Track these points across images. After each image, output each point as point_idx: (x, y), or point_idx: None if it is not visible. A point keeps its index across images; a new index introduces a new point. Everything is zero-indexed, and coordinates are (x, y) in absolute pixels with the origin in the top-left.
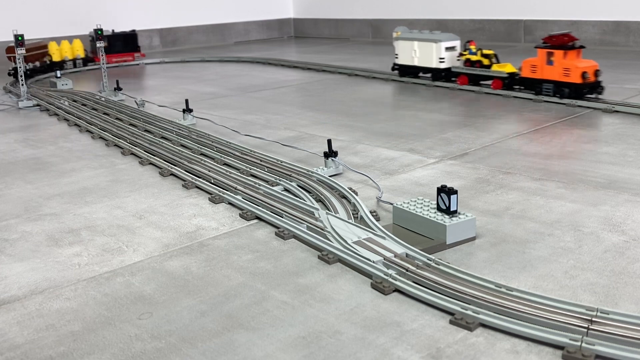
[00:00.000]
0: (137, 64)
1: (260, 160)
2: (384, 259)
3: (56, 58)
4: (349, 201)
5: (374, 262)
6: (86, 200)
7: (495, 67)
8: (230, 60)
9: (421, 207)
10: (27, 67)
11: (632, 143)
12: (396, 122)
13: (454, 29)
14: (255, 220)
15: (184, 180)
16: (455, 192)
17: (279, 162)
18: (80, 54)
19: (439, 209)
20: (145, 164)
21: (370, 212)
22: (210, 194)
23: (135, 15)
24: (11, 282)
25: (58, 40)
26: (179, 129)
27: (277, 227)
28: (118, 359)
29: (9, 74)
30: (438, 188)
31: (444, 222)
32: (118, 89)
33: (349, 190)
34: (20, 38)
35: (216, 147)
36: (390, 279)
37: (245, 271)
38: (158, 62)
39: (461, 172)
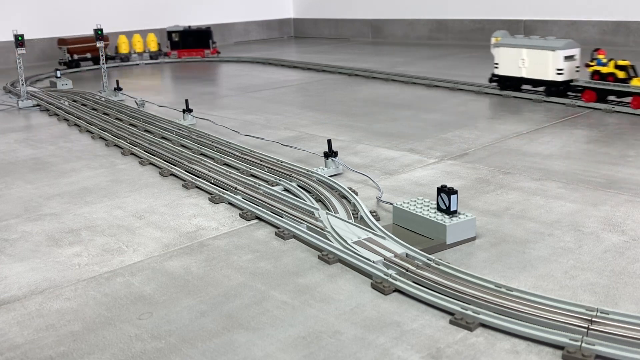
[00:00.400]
0: (137, 64)
1: (260, 160)
2: (384, 259)
3: (122, 50)
4: (349, 201)
5: (374, 262)
6: (86, 200)
7: (635, 82)
8: (230, 60)
9: (421, 207)
10: (72, 58)
11: (632, 143)
12: (396, 122)
13: (454, 28)
14: (255, 220)
15: (184, 180)
16: (455, 192)
17: (279, 162)
18: (152, 47)
19: (439, 209)
20: (145, 164)
21: (370, 212)
22: (210, 194)
23: (135, 15)
24: (11, 282)
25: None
26: (179, 129)
27: (277, 227)
28: (118, 359)
29: (60, 64)
30: (438, 188)
31: (444, 222)
32: (118, 89)
33: (349, 190)
34: (20, 38)
35: (216, 147)
36: (390, 279)
37: (245, 271)
38: (158, 62)
39: (461, 172)
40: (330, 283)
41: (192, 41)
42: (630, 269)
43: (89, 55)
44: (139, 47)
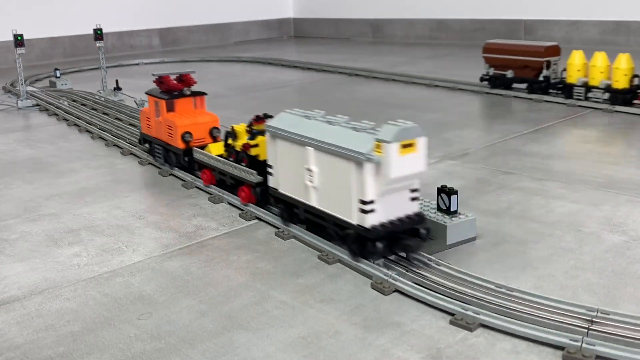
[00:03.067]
0: (137, 64)
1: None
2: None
3: (571, 78)
4: None
5: (374, 262)
6: (86, 200)
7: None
8: (230, 60)
9: (421, 207)
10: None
11: (632, 143)
12: None
13: (454, 28)
14: (255, 220)
15: (184, 180)
16: (456, 192)
17: None
18: (622, 81)
19: (439, 209)
20: (145, 164)
21: None
22: (210, 194)
23: (135, 15)
24: (11, 282)
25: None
26: None
27: (277, 227)
28: (118, 359)
29: (483, 79)
30: (438, 188)
31: (444, 222)
32: (118, 88)
33: None
34: (19, 38)
35: None
36: (390, 279)
37: (245, 271)
38: (158, 62)
39: (461, 172)
40: (330, 283)
41: None
42: (631, 269)
43: (510, 72)
44: (600, 75)
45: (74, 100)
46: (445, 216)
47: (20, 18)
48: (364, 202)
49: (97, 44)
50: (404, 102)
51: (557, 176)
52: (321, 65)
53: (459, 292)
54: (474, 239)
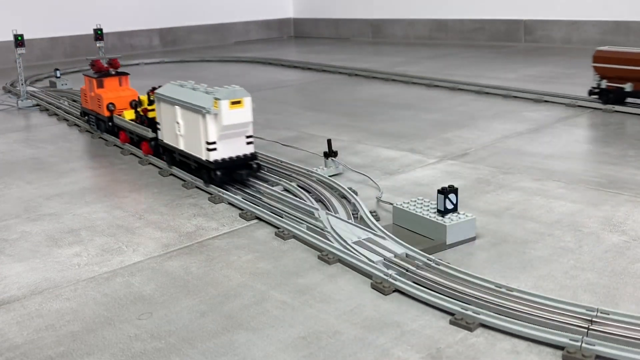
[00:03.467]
0: (137, 64)
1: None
2: (384, 259)
3: None
4: (349, 201)
5: (374, 262)
6: (86, 200)
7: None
8: (230, 60)
9: (421, 207)
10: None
11: (632, 143)
12: (396, 122)
13: (454, 28)
14: (255, 220)
15: (184, 180)
16: (455, 189)
17: (279, 162)
18: None
19: (439, 212)
20: (145, 164)
21: (370, 212)
22: (210, 194)
23: (135, 15)
24: (11, 282)
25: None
26: None
27: (277, 227)
28: (118, 359)
29: (592, 93)
30: (438, 190)
31: (444, 222)
32: None
33: (349, 190)
34: (19, 38)
35: None
36: (390, 279)
37: (245, 271)
38: (158, 62)
39: (461, 172)
40: (330, 283)
41: None
42: (631, 269)
43: (630, 86)
44: None
45: (74, 100)
46: (445, 216)
47: (20, 18)
48: (208, 143)
49: (97, 44)
50: (404, 102)
51: (557, 176)
52: (321, 65)
53: (459, 292)
54: (473, 238)
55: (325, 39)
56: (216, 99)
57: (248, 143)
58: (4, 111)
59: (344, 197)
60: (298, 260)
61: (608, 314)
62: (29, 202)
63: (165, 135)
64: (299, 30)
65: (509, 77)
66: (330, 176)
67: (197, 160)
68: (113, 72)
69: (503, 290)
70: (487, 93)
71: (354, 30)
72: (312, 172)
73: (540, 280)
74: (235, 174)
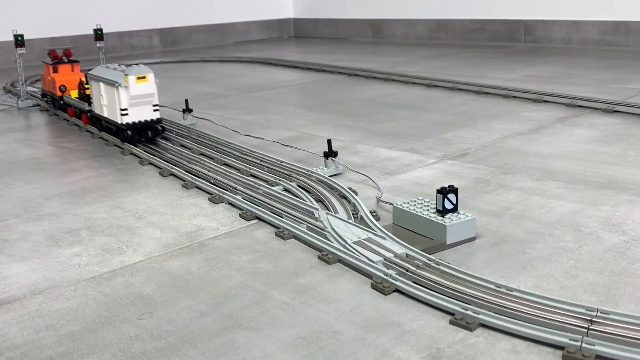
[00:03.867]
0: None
1: (260, 160)
2: (384, 259)
3: None
4: (349, 201)
5: (374, 262)
6: (86, 200)
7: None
8: (230, 60)
9: (421, 207)
10: None
11: (632, 143)
12: (396, 122)
13: (454, 28)
14: (255, 220)
15: (184, 180)
16: (455, 189)
17: (279, 162)
18: None
19: (438, 212)
20: (145, 164)
21: (370, 212)
22: (210, 194)
23: (135, 15)
24: (11, 282)
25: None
26: (179, 129)
27: (277, 227)
28: (118, 359)
29: None
30: (438, 190)
31: (444, 222)
32: None
33: (349, 190)
34: (19, 38)
35: (216, 147)
36: (390, 279)
37: (245, 271)
38: (158, 62)
39: (461, 172)
40: (330, 283)
41: None
42: (631, 269)
43: None
44: None
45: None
46: (445, 216)
47: (20, 18)
48: (121, 110)
49: (98, 44)
50: (404, 102)
51: (556, 176)
52: (321, 65)
53: (459, 292)
54: (473, 238)
55: (325, 39)
56: (126, 75)
57: (154, 110)
58: (4, 111)
59: (344, 197)
60: (298, 260)
61: (608, 314)
62: (29, 202)
63: (95, 107)
64: (299, 30)
65: (509, 77)
66: (330, 176)
67: (115, 124)
68: (65, 60)
69: (503, 290)
70: (487, 93)
71: (353, 30)
72: (312, 172)
73: (540, 280)
74: (144, 134)
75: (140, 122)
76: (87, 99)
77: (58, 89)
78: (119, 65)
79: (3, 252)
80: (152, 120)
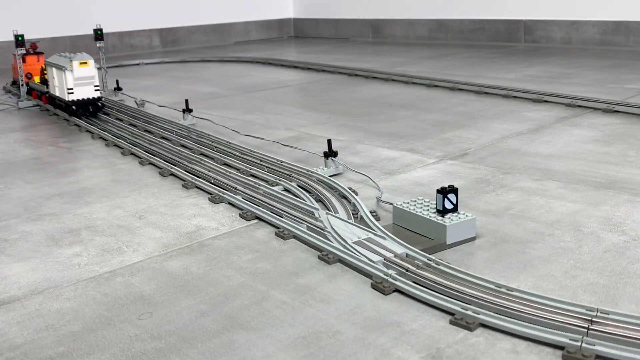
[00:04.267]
0: (137, 64)
1: (260, 160)
2: (384, 259)
3: None
4: (349, 201)
5: (374, 262)
6: (86, 200)
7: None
8: (230, 60)
9: (421, 207)
10: None
11: (632, 143)
12: (396, 122)
13: (454, 28)
14: (255, 220)
15: (184, 180)
16: (455, 189)
17: (279, 162)
18: None
19: (438, 212)
20: (145, 164)
21: (370, 212)
22: (210, 194)
23: (135, 15)
24: (11, 282)
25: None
26: (179, 129)
27: (277, 227)
28: (118, 359)
29: None
30: (438, 190)
31: (444, 222)
32: (118, 89)
33: (349, 190)
34: (20, 38)
35: (216, 147)
36: (390, 279)
37: (245, 271)
38: (158, 62)
39: (461, 172)
40: (330, 283)
41: None
42: (631, 269)
43: None
44: None
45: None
46: (445, 216)
47: (20, 18)
48: (68, 89)
49: (98, 44)
50: (404, 102)
51: (556, 176)
52: (321, 65)
53: (459, 292)
54: (473, 238)
55: (325, 39)
56: (71, 60)
57: (95, 90)
58: (4, 111)
59: (344, 197)
60: (298, 260)
61: (608, 314)
62: (29, 202)
63: (51, 89)
64: (299, 30)
65: (509, 77)
66: (330, 176)
67: (64, 101)
68: (32, 52)
69: (503, 290)
70: (487, 93)
71: (353, 30)
72: (312, 172)
73: (540, 280)
74: (87, 109)
75: (83, 99)
76: (45, 82)
77: (25, 76)
78: (68, 54)
79: (3, 252)
80: (93, 98)
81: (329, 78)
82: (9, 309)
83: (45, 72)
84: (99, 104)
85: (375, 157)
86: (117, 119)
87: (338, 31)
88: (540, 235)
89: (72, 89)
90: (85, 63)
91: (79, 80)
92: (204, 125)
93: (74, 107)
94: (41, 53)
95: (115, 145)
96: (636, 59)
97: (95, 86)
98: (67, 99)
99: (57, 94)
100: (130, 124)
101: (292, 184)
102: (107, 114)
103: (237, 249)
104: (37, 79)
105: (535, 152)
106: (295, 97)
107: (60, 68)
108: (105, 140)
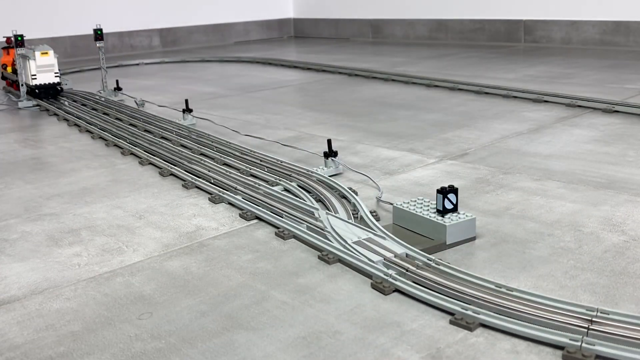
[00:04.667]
0: (137, 64)
1: (260, 160)
2: (384, 259)
3: None
4: (349, 201)
5: (374, 262)
6: (86, 200)
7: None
8: (230, 60)
9: (421, 207)
10: None
11: (632, 143)
12: (396, 122)
13: (454, 28)
14: (255, 220)
15: (184, 180)
16: (455, 189)
17: (279, 162)
18: None
19: (438, 212)
20: (145, 164)
21: (370, 212)
22: (210, 194)
23: (135, 15)
24: (11, 282)
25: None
26: (179, 129)
27: (277, 227)
28: (118, 359)
29: None
30: (438, 190)
31: (444, 222)
32: (118, 89)
33: (349, 190)
34: (20, 38)
35: (216, 147)
36: (390, 279)
37: (245, 271)
38: (158, 62)
39: (461, 172)
40: (330, 283)
41: None
42: (631, 269)
43: None
44: None
45: (75, 101)
46: (445, 216)
47: (20, 18)
48: (32, 75)
49: (98, 44)
50: (403, 102)
51: (556, 176)
52: (321, 65)
53: (459, 292)
54: (473, 238)
55: (325, 39)
56: (34, 51)
57: (55, 76)
58: (4, 111)
59: (344, 197)
60: (298, 260)
61: (608, 314)
62: (29, 202)
63: (19, 77)
64: (299, 30)
65: (509, 77)
66: (330, 176)
67: (30, 86)
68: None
69: (503, 290)
70: (487, 93)
71: (353, 30)
72: (312, 172)
73: (540, 280)
74: (48, 93)
75: (45, 84)
76: (16, 72)
77: (1, 67)
78: (34, 46)
79: (3, 252)
80: (53, 83)
81: (328, 78)
82: (9, 309)
83: (14, 63)
84: (59, 88)
85: (375, 157)
86: (116, 118)
87: (338, 31)
88: (540, 235)
89: (35, 75)
90: (46, 53)
91: (40, 68)
92: (204, 125)
93: (37, 90)
94: (12, 47)
95: (115, 145)
96: (636, 59)
97: (55, 73)
98: (32, 84)
99: (24, 80)
100: (130, 124)
101: (292, 184)
102: (107, 114)
103: (237, 249)
104: (10, 69)
105: (535, 152)
106: (295, 97)
107: (26, 58)
108: (105, 140)
